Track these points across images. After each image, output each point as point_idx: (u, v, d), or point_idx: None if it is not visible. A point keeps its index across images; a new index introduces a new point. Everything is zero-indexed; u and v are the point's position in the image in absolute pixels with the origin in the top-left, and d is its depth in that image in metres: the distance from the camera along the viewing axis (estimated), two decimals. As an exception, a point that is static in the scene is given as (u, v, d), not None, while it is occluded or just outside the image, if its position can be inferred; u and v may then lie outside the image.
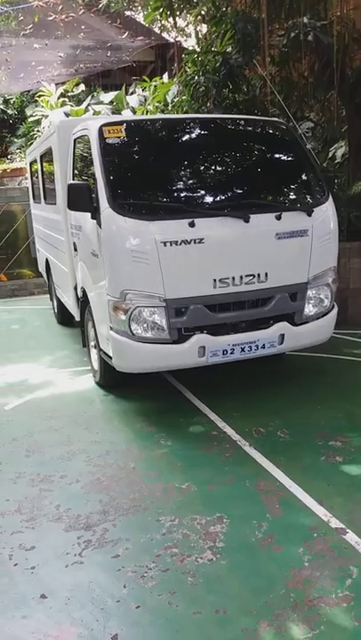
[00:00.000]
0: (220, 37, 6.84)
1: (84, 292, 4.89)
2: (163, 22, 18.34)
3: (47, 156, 6.31)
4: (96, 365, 4.90)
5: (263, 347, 4.10)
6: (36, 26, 9.74)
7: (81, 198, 4.03)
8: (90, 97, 11.18)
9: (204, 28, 16.36)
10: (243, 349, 4.05)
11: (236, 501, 3.01)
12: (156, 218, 3.86)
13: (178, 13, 7.60)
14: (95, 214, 4.04)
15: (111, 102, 10.87)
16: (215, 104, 6.62)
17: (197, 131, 4.62)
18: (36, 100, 13.80)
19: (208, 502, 3.02)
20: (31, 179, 8.45)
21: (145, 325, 3.93)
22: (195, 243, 3.84)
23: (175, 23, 9.25)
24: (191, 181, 4.33)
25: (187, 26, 18.02)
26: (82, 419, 4.26)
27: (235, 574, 2.46)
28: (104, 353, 4.41)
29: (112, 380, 4.67)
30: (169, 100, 9.00)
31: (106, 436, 3.93)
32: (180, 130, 4.56)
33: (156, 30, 17.68)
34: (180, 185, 4.28)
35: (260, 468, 3.33)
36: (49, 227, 6.69)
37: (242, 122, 4.94)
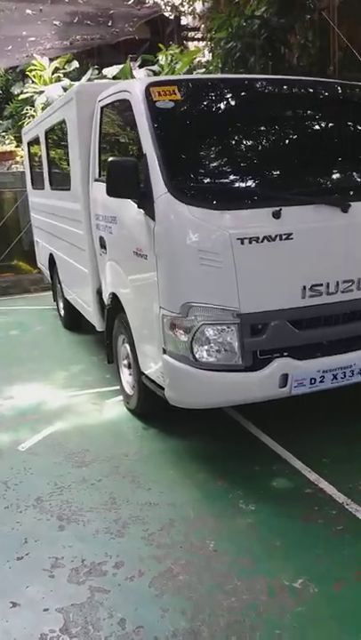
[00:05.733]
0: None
1: (114, 298, 3.93)
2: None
3: (57, 133, 5.27)
4: (130, 389, 3.95)
5: (360, 372, 3.20)
6: (31, -12, 8.61)
7: (126, 180, 3.04)
8: (89, 71, 10.05)
9: (197, 6, 15.33)
10: (335, 376, 3.13)
11: (385, 615, 2.11)
12: (230, 206, 2.92)
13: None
14: (144, 201, 3.06)
15: (114, 77, 9.77)
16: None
17: (275, 95, 3.62)
18: (25, 77, 12.61)
19: (343, 615, 2.11)
20: (30, 161, 7.35)
21: (210, 347, 2.99)
22: (280, 239, 2.91)
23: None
24: (272, 160, 3.34)
25: (181, 4, 16.94)
26: (123, 466, 3.31)
27: None
28: (148, 379, 3.46)
29: (155, 408, 3.72)
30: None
31: (163, 495, 2.98)
32: (252, 93, 3.56)
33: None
34: (258, 164, 3.30)
35: (394, 552, 2.44)
36: (57, 217, 5.65)
37: (332, 85, 3.93)
